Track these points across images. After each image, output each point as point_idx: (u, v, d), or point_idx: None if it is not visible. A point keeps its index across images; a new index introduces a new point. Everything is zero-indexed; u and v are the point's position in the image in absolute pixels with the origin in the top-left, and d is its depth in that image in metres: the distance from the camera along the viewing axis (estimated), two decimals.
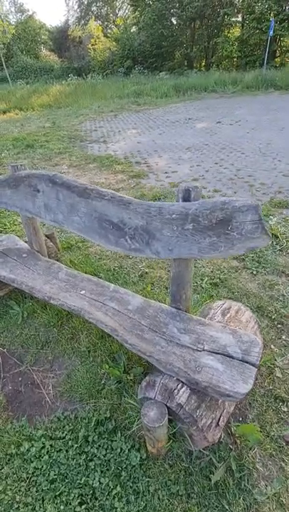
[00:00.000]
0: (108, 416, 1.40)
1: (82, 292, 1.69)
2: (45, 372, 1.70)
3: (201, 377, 1.13)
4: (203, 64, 18.67)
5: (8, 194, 1.90)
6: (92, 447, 1.31)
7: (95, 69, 19.00)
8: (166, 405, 1.15)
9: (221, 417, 1.22)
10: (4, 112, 11.73)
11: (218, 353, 1.23)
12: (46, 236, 2.38)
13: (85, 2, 22.85)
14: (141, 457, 1.24)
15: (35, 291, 1.73)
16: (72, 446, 1.32)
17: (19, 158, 5.47)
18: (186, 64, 18.19)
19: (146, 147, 5.77)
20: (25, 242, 2.28)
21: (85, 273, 2.25)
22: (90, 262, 2.45)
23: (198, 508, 1.10)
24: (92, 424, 1.37)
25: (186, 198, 1.20)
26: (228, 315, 1.50)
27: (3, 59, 16.58)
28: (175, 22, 17.91)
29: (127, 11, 23.69)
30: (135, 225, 1.34)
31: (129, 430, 1.36)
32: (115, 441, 1.32)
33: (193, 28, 17.68)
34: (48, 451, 1.31)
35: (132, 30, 19.41)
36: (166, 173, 4.38)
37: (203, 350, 1.26)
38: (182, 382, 1.18)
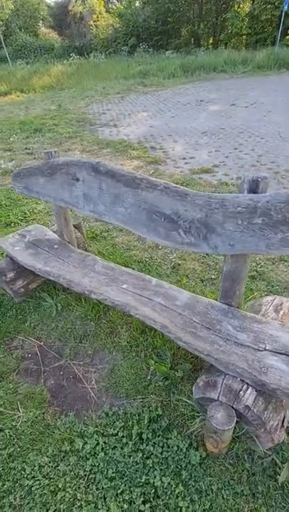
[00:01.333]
0: (160, 413, 1.38)
1: (124, 286, 1.64)
2: (86, 367, 1.67)
3: (269, 379, 1.09)
4: (211, 42, 17.84)
5: (41, 183, 1.81)
6: (147, 445, 1.29)
7: (98, 47, 18.18)
8: (232, 407, 1.11)
9: (285, 418, 1.19)
10: (5, 94, 11.32)
11: (282, 354, 1.18)
12: (74, 226, 2.30)
13: None
14: (200, 456, 1.22)
15: (74, 284, 1.68)
16: (127, 443, 1.30)
17: (29, 143, 5.29)
18: (193, 42, 17.39)
19: (159, 131, 5.57)
20: (54, 232, 2.21)
21: (115, 264, 2.20)
22: (119, 252, 2.38)
23: (265, 508, 1.09)
24: (145, 421, 1.35)
25: (254, 190, 1.12)
26: (282, 312, 1.45)
27: (1, 37, 15.83)
28: None
29: None
30: (191, 218, 1.26)
31: (182, 427, 1.34)
32: (170, 439, 1.30)
33: (201, 3, 16.76)
34: (102, 448, 1.29)
35: (136, 5, 18.41)
36: (184, 158, 4.23)
37: (265, 349, 1.21)
38: (247, 383, 1.14)
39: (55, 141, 5.30)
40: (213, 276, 2.12)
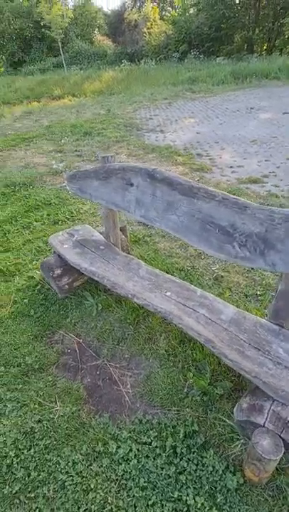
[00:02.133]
0: (196, 429, 1.34)
1: (168, 294, 1.62)
2: (123, 370, 1.68)
3: None
4: (265, 48, 17.29)
5: (95, 186, 1.87)
6: (181, 459, 1.26)
7: (149, 54, 18.55)
8: (280, 436, 1.04)
9: None
10: (59, 98, 12.00)
11: None
12: (119, 228, 2.34)
13: None
14: (238, 481, 1.16)
15: (118, 287, 1.70)
16: (160, 454, 1.28)
17: (79, 145, 5.53)
18: (246, 48, 16.99)
19: (206, 138, 5.50)
20: (100, 233, 2.27)
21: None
22: (161, 259, 2.38)
23: None
24: (180, 435, 1.32)
25: None
26: None
27: (60, 44, 16.82)
28: (238, 1, 16.69)
29: None
30: (249, 232, 1.21)
31: (219, 448, 1.29)
32: (206, 457, 1.25)
33: (258, 8, 16.34)
34: (135, 455, 1.28)
35: (190, 12, 18.50)
36: (231, 167, 4.13)
37: None
38: None
39: (103, 145, 5.49)
40: (258, 292, 2.02)
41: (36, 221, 3.12)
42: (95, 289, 2.12)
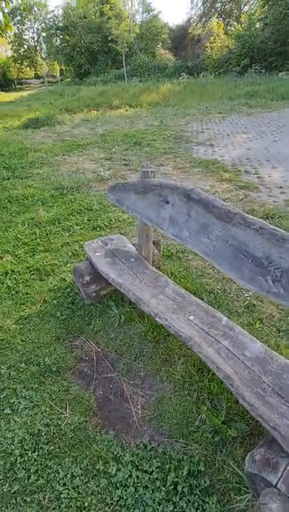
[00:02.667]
0: (202, 470, 1.24)
1: (191, 318, 1.56)
2: (136, 388, 1.64)
3: None
4: None
5: (133, 199, 1.89)
6: (181, 499, 1.18)
7: (208, 68, 18.64)
8: None
9: None
10: (116, 108, 12.58)
11: None
12: (152, 242, 2.34)
13: None
14: None
15: (142, 303, 1.68)
16: (160, 488, 1.21)
17: (127, 155, 5.71)
18: None
19: (257, 155, 5.30)
20: (133, 244, 2.28)
21: (186, 289, 2.13)
22: (191, 277, 2.31)
23: None
24: (184, 471, 1.24)
25: None
26: None
27: (123, 57, 17.75)
28: None
29: (253, 7, 22.36)
30: (286, 267, 1.11)
31: (224, 496, 1.18)
32: (208, 503, 1.15)
33: None
34: (134, 483, 1.23)
35: (256, 26, 18.22)
36: (280, 187, 3.90)
37: None
38: None
39: (151, 156, 5.59)
40: None
41: (77, 225, 3.26)
42: (120, 300, 2.12)
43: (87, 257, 2.15)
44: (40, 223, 3.33)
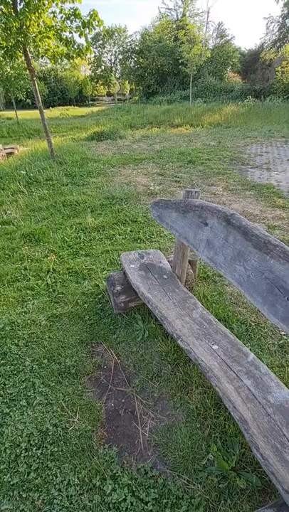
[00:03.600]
0: None
1: (215, 347, 1.48)
2: (147, 408, 1.59)
3: None
4: None
5: (173, 217, 1.90)
6: None
7: (277, 92, 18.18)
8: None
9: None
10: (177, 126, 12.93)
11: None
12: (189, 261, 2.30)
13: (288, 24, 22.10)
14: None
15: (167, 322, 1.65)
16: None
17: (180, 172, 5.78)
18: None
19: None
20: (169, 261, 2.27)
21: (216, 315, 2.04)
22: (224, 304, 2.20)
23: None
24: None
25: None
26: None
27: (191, 79, 18.29)
28: None
29: None
30: None
31: None
32: None
33: None
34: (127, 508, 1.18)
35: None
36: None
37: None
38: None
39: (203, 175, 5.57)
40: None
41: (119, 234, 3.37)
42: (147, 315, 2.11)
43: (122, 268, 2.20)
44: (86, 228, 3.52)
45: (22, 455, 1.34)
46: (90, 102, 40.35)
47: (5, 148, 8.67)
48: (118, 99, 36.68)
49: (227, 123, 12.57)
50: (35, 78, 5.93)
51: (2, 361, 1.83)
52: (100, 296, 2.36)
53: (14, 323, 2.12)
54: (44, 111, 6.30)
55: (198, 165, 6.20)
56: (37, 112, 6.46)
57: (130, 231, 3.43)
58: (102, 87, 41.36)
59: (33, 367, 1.79)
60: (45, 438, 1.41)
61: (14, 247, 3.20)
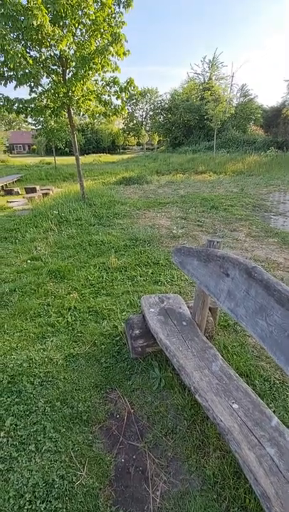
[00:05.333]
0: None
1: (235, 406, 1.40)
2: (159, 469, 1.48)
3: None
4: None
5: (195, 265, 1.94)
6: None
7: None
8: None
9: None
10: (201, 173, 13.60)
11: None
12: (209, 309, 2.27)
13: None
14: None
15: (184, 373, 1.60)
16: None
17: (202, 217, 5.95)
18: None
19: None
20: (188, 306, 2.26)
21: (237, 369, 1.95)
22: (246, 356, 2.10)
23: None
24: None
25: None
26: None
27: (215, 132, 19.63)
28: None
29: None
30: None
31: None
32: None
33: None
34: None
35: None
36: None
37: None
38: None
39: (226, 220, 5.69)
40: None
41: (140, 276, 3.44)
42: (164, 362, 2.06)
43: (142, 311, 2.21)
44: (109, 268, 3.64)
45: (25, 507, 1.27)
46: (121, 150, 44.25)
47: (41, 189, 9.50)
48: (147, 148, 39.76)
49: (250, 171, 13.04)
50: (75, 132, 6.69)
51: (16, 399, 1.82)
52: (117, 339, 2.36)
53: (32, 360, 2.14)
54: (79, 157, 6.97)
55: (221, 210, 6.37)
56: (73, 158, 7.17)
57: (151, 273, 3.49)
58: (132, 137, 45.50)
59: (45, 409, 1.76)
60: (50, 491, 1.34)
61: (40, 282, 3.34)
